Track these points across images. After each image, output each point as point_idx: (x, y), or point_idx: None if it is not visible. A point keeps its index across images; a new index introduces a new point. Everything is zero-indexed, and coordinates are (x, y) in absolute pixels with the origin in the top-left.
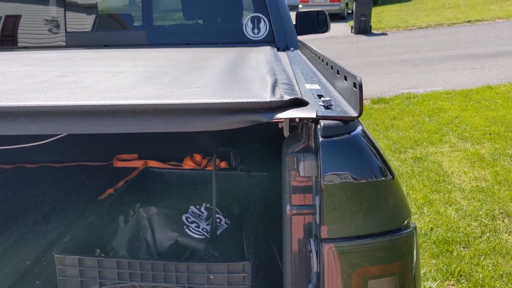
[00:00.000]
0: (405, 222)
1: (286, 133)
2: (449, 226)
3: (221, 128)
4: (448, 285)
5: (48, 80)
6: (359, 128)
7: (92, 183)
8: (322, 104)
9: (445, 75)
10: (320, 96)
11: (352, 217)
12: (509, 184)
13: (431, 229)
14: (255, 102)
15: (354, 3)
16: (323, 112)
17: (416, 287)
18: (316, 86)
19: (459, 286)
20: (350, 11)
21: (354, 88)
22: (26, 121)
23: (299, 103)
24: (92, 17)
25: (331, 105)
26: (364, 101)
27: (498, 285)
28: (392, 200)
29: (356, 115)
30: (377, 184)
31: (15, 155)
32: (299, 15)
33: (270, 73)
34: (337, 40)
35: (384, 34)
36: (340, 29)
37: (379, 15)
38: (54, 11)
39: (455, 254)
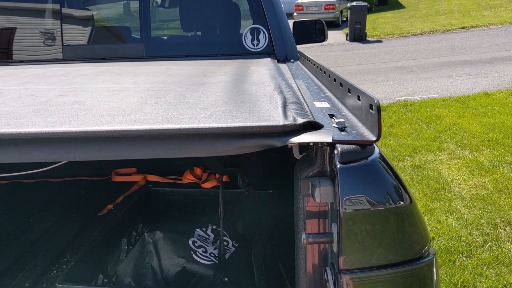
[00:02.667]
0: (426, 248)
1: (296, 154)
2: (451, 235)
3: (232, 153)
4: None
5: (48, 101)
6: (377, 151)
7: (91, 198)
8: (336, 126)
9: (441, 82)
10: (331, 116)
11: (372, 246)
12: (509, 191)
13: (433, 238)
14: (268, 126)
15: (349, 11)
16: (339, 135)
17: None
18: (326, 104)
19: None
20: (344, 19)
21: (371, 110)
22: (28, 148)
23: (313, 126)
24: (89, 29)
25: (346, 127)
26: None
27: None
28: (412, 226)
29: (374, 139)
30: (396, 211)
31: (12, 170)
32: (296, 25)
33: (277, 90)
34: (332, 47)
35: (379, 41)
36: (335, 37)
37: (373, 22)
38: (50, 24)
39: (457, 264)
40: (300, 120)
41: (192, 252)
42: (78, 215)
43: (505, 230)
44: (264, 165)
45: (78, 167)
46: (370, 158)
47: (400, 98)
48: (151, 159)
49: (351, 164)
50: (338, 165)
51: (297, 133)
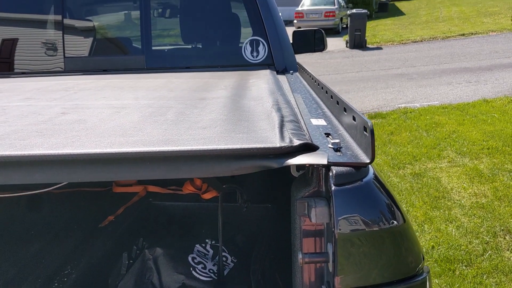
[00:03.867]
0: (420, 266)
1: (294, 172)
2: (451, 244)
3: (230, 174)
4: None
5: (51, 119)
6: (371, 172)
7: (92, 210)
8: (332, 146)
9: (441, 89)
10: (327, 135)
11: (367, 266)
12: (509, 200)
13: (433, 247)
14: (264, 148)
15: (349, 18)
16: (334, 157)
17: None
18: (322, 122)
19: None
20: (344, 26)
21: (365, 132)
22: (31, 170)
23: (308, 147)
24: (90, 41)
25: (341, 147)
26: None
27: None
28: (406, 245)
29: (368, 161)
30: (390, 231)
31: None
32: (296, 34)
33: (275, 108)
34: (332, 54)
35: (379, 48)
36: (335, 44)
37: (373, 29)
38: (52, 35)
39: (457, 273)
40: (296, 142)
41: (191, 269)
42: (79, 226)
43: (505, 238)
44: (263, 180)
45: None
46: (364, 180)
47: (400, 105)
48: None
49: (346, 186)
50: (333, 187)
51: (293, 154)
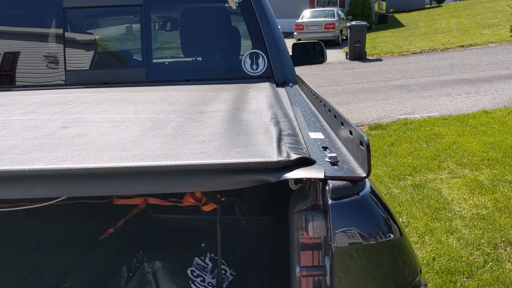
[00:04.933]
0: (417, 279)
1: (292, 185)
2: (452, 255)
3: (228, 188)
4: None
5: (51, 134)
6: (368, 186)
7: (92, 222)
8: (329, 160)
9: (440, 100)
10: (325, 148)
11: (364, 279)
12: (509, 211)
13: (434, 258)
14: (262, 163)
15: (349, 30)
16: (331, 171)
17: None
18: (320, 135)
19: None
20: (344, 38)
21: (361, 147)
22: (31, 184)
23: (306, 161)
24: (91, 55)
25: (338, 161)
26: (361, 127)
27: None
28: (403, 258)
29: (364, 175)
30: (387, 244)
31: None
32: (296, 46)
33: (274, 121)
34: (332, 66)
35: (378, 59)
36: (335, 55)
37: (373, 41)
38: (53, 48)
39: (458, 285)
40: (294, 156)
41: (190, 282)
42: (79, 239)
43: (505, 250)
44: (263, 193)
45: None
46: (361, 193)
47: (400, 116)
48: None
49: (342, 200)
50: (330, 201)
51: (291, 168)
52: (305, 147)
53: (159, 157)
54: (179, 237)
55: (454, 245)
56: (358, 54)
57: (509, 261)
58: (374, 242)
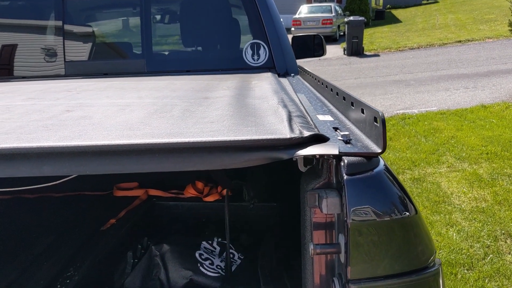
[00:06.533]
0: (431, 259)
1: (301, 167)
2: (452, 248)
3: (239, 166)
4: None
5: (56, 116)
6: (382, 163)
7: (93, 213)
8: (341, 138)
9: (438, 95)
10: (336, 129)
11: (379, 256)
12: (509, 204)
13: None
14: (275, 139)
15: (346, 25)
16: (345, 148)
17: None
18: (329, 118)
19: None
20: (342, 33)
21: (375, 123)
22: (39, 162)
23: (319, 138)
24: (91, 46)
25: (351, 140)
26: None
27: None
28: (417, 237)
29: (379, 151)
30: (402, 221)
31: (12, 185)
32: (295, 39)
33: (281, 104)
34: (330, 61)
35: (376, 55)
36: (333, 51)
37: (370, 37)
38: (52, 40)
39: (459, 276)
40: (306, 133)
41: (199, 265)
42: (81, 229)
43: (506, 242)
44: (269, 179)
45: (80, 181)
46: (375, 170)
47: (398, 111)
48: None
49: (358, 176)
50: (345, 177)
51: (304, 145)
52: (315, 127)
53: (168, 136)
54: (185, 224)
55: (454, 237)
56: (355, 50)
57: (509, 253)
58: (389, 219)
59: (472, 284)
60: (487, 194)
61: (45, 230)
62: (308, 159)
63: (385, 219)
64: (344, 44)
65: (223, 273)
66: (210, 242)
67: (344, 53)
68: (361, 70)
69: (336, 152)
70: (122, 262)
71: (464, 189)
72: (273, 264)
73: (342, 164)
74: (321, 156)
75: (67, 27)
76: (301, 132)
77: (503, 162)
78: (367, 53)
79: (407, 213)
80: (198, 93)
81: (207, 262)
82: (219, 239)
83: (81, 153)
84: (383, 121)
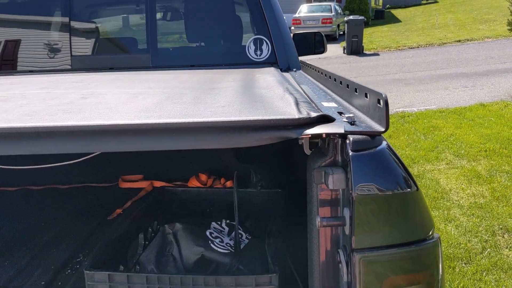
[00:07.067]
0: (430, 233)
1: (306, 150)
2: (450, 242)
3: (251, 144)
4: None
5: (72, 102)
6: (384, 143)
7: (100, 203)
8: (346, 120)
9: (438, 93)
10: (340, 113)
11: (381, 227)
12: (507, 200)
13: None
14: (284, 119)
15: (346, 24)
16: (350, 127)
17: None
18: (333, 104)
19: None
20: (341, 32)
21: (379, 104)
22: (63, 140)
23: (325, 119)
24: (97, 41)
25: (355, 121)
26: None
27: None
28: (417, 211)
29: (383, 129)
30: (403, 196)
31: (20, 177)
32: (296, 37)
33: (287, 92)
34: (330, 60)
35: (376, 54)
36: (332, 50)
37: (370, 36)
38: (59, 35)
39: (457, 270)
40: (314, 114)
41: (209, 242)
42: (88, 218)
43: (503, 237)
44: (274, 166)
45: (85, 173)
46: (379, 148)
47: (397, 109)
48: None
49: (362, 152)
50: (351, 153)
51: (311, 125)
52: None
53: (183, 117)
54: (193, 208)
55: (453, 232)
56: (355, 49)
57: (506, 247)
58: (391, 193)
59: (470, 277)
60: (485, 190)
61: (54, 219)
62: (313, 142)
63: (388, 193)
64: (344, 43)
65: (233, 250)
66: (219, 223)
67: (343, 52)
68: (361, 69)
69: (342, 131)
70: (133, 244)
71: (463, 186)
72: (278, 243)
73: (348, 142)
74: (328, 135)
75: (74, 23)
76: (308, 113)
77: (501, 159)
78: (366, 52)
79: (408, 189)
80: (205, 84)
81: (217, 240)
82: (227, 221)
83: (102, 131)
84: (386, 102)
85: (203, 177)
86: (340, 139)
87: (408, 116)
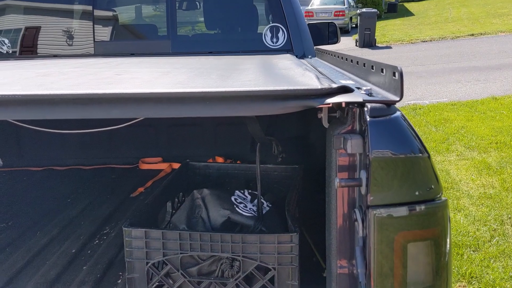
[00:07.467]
0: (438, 195)
1: (325, 123)
2: (459, 231)
3: (277, 112)
4: (459, 286)
5: (110, 77)
6: (399, 112)
7: (122, 183)
8: (364, 92)
9: (450, 86)
10: (358, 88)
11: (394, 187)
12: None
13: None
14: (308, 89)
15: (358, 17)
16: (368, 97)
17: (448, 253)
18: (350, 82)
19: (471, 287)
20: (354, 25)
21: (394, 77)
22: (109, 106)
23: (345, 90)
24: (119, 27)
25: (372, 93)
26: None
27: (508, 285)
28: (427, 174)
29: (397, 99)
30: (415, 160)
31: (44, 159)
32: (310, 27)
33: (307, 70)
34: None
35: (388, 47)
36: (345, 43)
37: (383, 29)
38: (83, 22)
39: (465, 257)
40: (335, 85)
41: (235, 206)
42: (113, 195)
43: None
44: (291, 144)
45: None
46: (394, 115)
47: (409, 102)
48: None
49: (379, 119)
50: (368, 119)
51: (332, 95)
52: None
53: (216, 87)
54: (216, 181)
55: (462, 221)
56: (368, 42)
57: None
58: (404, 157)
59: (478, 263)
60: (495, 181)
61: (79, 197)
62: (331, 116)
63: (401, 156)
64: (356, 36)
65: (256, 214)
66: (242, 191)
67: (356, 45)
68: None
69: (360, 99)
70: (162, 212)
71: (473, 176)
72: (297, 210)
73: (366, 109)
74: (347, 104)
75: (97, 10)
76: (329, 85)
77: None
78: (379, 45)
79: (420, 154)
80: (227, 66)
81: (241, 205)
82: (249, 190)
83: (145, 99)
84: (401, 74)
85: (220, 160)
86: (358, 109)
87: (419, 108)
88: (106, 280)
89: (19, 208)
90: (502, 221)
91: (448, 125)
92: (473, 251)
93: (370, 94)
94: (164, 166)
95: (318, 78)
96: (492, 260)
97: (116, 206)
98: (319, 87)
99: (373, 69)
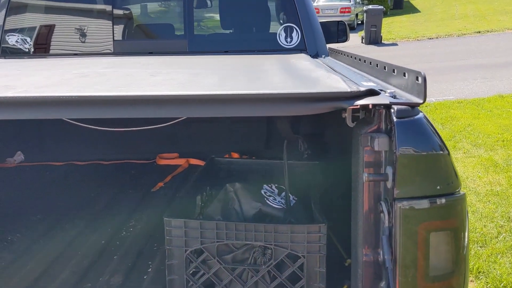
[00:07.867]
0: (458, 189)
1: (349, 122)
2: None
3: (308, 113)
4: None
5: (146, 79)
6: (421, 113)
7: (142, 178)
8: (389, 94)
9: (456, 84)
10: (381, 90)
11: (418, 181)
12: None
13: None
14: (338, 92)
15: (365, 14)
16: (393, 100)
17: (466, 243)
18: (372, 84)
19: (478, 282)
20: (359, 22)
21: (417, 81)
22: (157, 107)
23: (372, 92)
24: (137, 26)
25: (396, 95)
26: None
27: None
28: (448, 170)
29: (421, 101)
30: (437, 157)
31: (64, 154)
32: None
33: (331, 72)
34: (348, 50)
35: (394, 44)
36: (350, 39)
37: (389, 26)
38: (103, 22)
39: (472, 252)
40: (363, 88)
41: (265, 199)
42: (134, 190)
43: None
44: (313, 143)
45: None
46: (417, 116)
47: None
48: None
49: (405, 119)
50: (395, 119)
51: (360, 97)
52: None
53: (252, 90)
54: (242, 176)
55: (469, 218)
56: (373, 38)
57: None
58: (427, 154)
59: (485, 259)
60: (502, 179)
61: (102, 191)
62: (355, 116)
63: (424, 153)
64: (362, 33)
65: (284, 206)
66: (269, 186)
67: (362, 42)
68: (379, 59)
69: (387, 102)
70: (192, 206)
71: (480, 174)
72: (323, 205)
73: (392, 111)
74: (374, 105)
75: (116, 10)
76: (358, 88)
77: None
78: (385, 42)
79: (441, 151)
80: (249, 68)
81: (270, 198)
82: (276, 185)
83: (188, 100)
84: (425, 79)
85: (235, 156)
86: (384, 110)
87: (426, 106)
88: (137, 268)
89: (47, 202)
90: (509, 217)
91: (455, 123)
92: (480, 247)
93: (394, 97)
94: (181, 161)
95: (344, 81)
96: (499, 256)
97: (138, 200)
98: (349, 90)
99: (394, 72)
